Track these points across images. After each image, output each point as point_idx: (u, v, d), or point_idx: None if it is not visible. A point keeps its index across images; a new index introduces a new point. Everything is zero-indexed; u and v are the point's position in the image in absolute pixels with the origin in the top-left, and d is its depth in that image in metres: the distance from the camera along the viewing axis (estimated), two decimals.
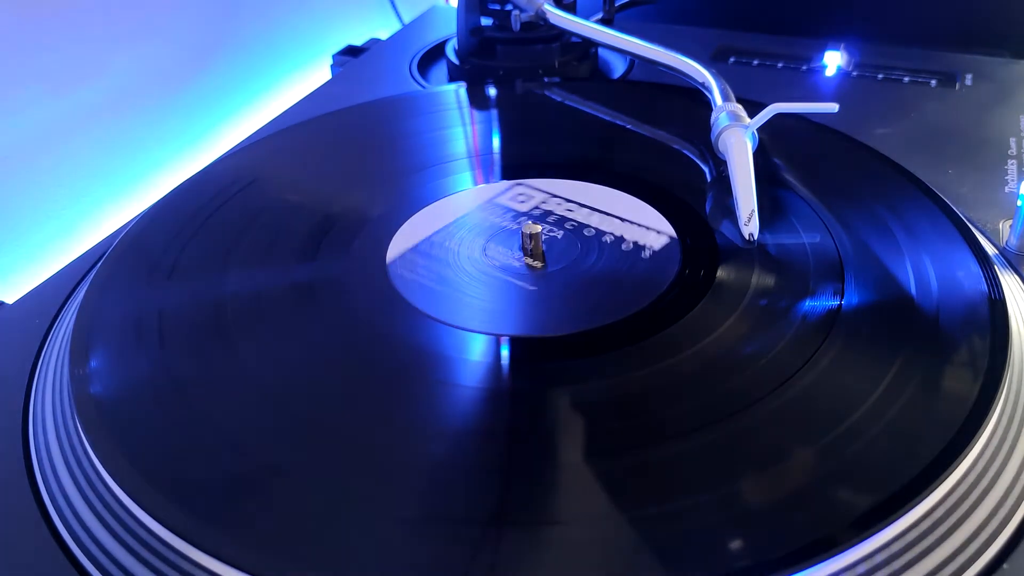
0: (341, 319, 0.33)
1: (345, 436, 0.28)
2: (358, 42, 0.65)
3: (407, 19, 0.79)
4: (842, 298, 0.32)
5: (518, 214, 0.39)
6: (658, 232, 0.37)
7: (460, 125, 0.47)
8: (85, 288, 0.35)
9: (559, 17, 0.52)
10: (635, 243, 0.36)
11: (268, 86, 0.68)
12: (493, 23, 0.55)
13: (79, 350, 0.31)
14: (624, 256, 0.36)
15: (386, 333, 0.32)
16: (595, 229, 0.37)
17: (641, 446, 0.26)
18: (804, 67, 0.56)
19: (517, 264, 0.35)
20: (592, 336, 0.31)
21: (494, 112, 0.50)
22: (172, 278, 0.35)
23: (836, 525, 0.24)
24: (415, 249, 0.37)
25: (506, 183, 0.42)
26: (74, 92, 0.53)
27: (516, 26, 0.54)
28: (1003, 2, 0.62)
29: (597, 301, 0.33)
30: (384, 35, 0.67)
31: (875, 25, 0.64)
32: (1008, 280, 0.34)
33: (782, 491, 0.25)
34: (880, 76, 0.54)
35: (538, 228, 0.36)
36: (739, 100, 0.43)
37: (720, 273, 0.34)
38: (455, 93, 0.52)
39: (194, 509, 0.25)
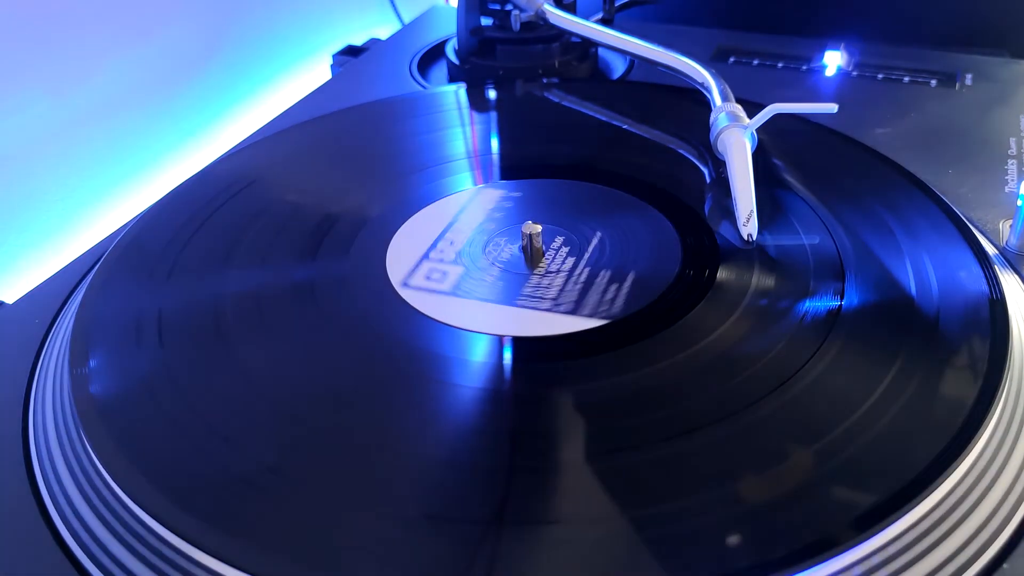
0: (341, 319, 0.33)
1: (345, 436, 0.28)
2: (358, 42, 0.65)
3: (407, 19, 0.79)
4: (842, 298, 0.32)
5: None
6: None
7: (460, 125, 0.47)
8: (85, 288, 0.35)
9: (559, 17, 0.52)
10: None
11: (268, 86, 0.68)
12: (493, 23, 0.55)
13: (79, 350, 0.31)
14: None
15: (386, 333, 0.32)
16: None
17: (641, 446, 0.26)
18: (804, 67, 0.56)
19: (517, 263, 0.35)
20: (592, 336, 0.31)
21: (494, 112, 0.50)
22: (172, 278, 0.35)
23: (836, 525, 0.24)
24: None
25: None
26: (73, 92, 0.53)
27: (516, 26, 0.54)
28: (1003, 2, 0.62)
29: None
30: (384, 35, 0.67)
31: (875, 25, 0.64)
32: (1008, 280, 0.34)
33: (782, 491, 0.25)
34: (880, 76, 0.54)
35: (538, 228, 0.36)
36: (739, 100, 0.43)
37: (720, 273, 0.34)
38: (455, 93, 0.52)
39: (194, 509, 0.25)
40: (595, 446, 0.27)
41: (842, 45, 0.57)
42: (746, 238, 0.36)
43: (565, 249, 0.36)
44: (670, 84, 0.50)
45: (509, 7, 0.54)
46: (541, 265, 0.35)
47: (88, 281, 0.36)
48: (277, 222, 0.38)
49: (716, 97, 0.43)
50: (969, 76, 0.53)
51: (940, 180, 0.42)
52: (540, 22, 0.53)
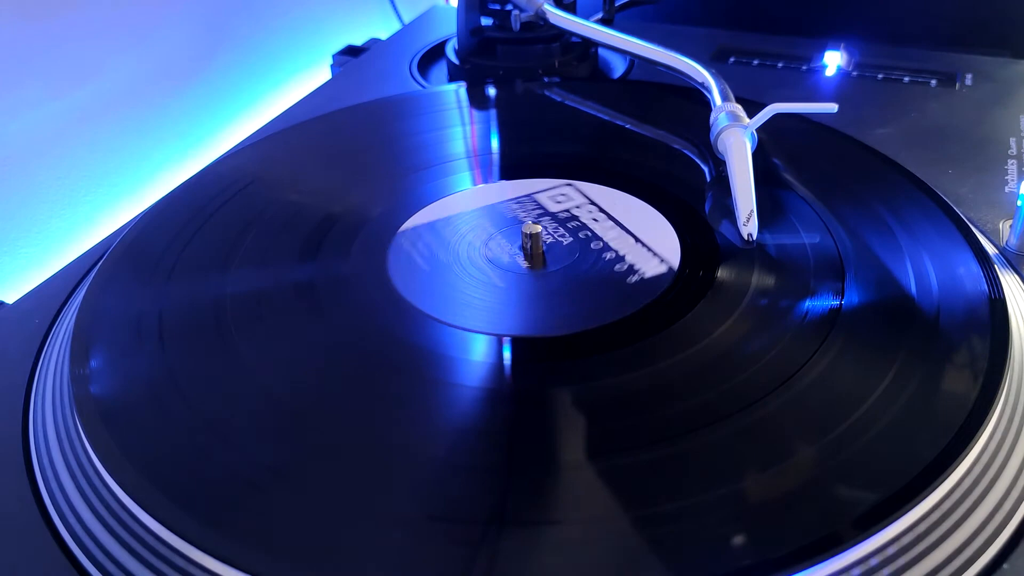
0: (341, 319, 0.33)
1: (345, 436, 0.28)
2: (358, 42, 0.65)
3: (407, 19, 0.79)
4: (842, 298, 0.32)
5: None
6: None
7: (460, 125, 0.47)
8: (85, 288, 0.35)
9: (559, 17, 0.52)
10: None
11: (268, 86, 0.68)
12: (493, 23, 0.55)
13: (79, 350, 0.31)
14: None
15: (386, 333, 0.32)
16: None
17: (641, 446, 0.26)
18: (804, 67, 0.56)
19: (517, 264, 0.35)
20: (592, 336, 0.31)
21: (494, 112, 0.50)
22: (172, 278, 0.35)
23: (836, 525, 0.24)
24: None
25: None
26: (74, 93, 0.53)
27: (516, 26, 0.54)
28: (1003, 2, 0.62)
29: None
30: (384, 35, 0.67)
31: (875, 25, 0.64)
32: (1008, 280, 0.34)
33: (782, 491, 0.25)
34: (880, 76, 0.54)
35: (538, 228, 0.36)
36: (739, 100, 0.43)
37: (720, 273, 0.34)
38: (455, 93, 0.52)
39: (194, 509, 0.25)
40: (595, 446, 0.27)
41: (842, 45, 0.57)
42: (746, 237, 0.36)
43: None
44: (670, 84, 0.50)
45: (509, 7, 0.54)
46: (541, 265, 0.35)
47: (88, 281, 0.36)
48: (277, 222, 0.38)
49: (716, 97, 0.43)
50: (969, 76, 0.53)
51: (940, 180, 0.42)
52: (540, 22, 0.53)
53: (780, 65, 0.56)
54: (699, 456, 0.26)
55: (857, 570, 0.23)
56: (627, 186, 0.40)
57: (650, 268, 0.34)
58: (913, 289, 0.32)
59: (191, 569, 0.24)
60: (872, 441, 0.26)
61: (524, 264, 0.35)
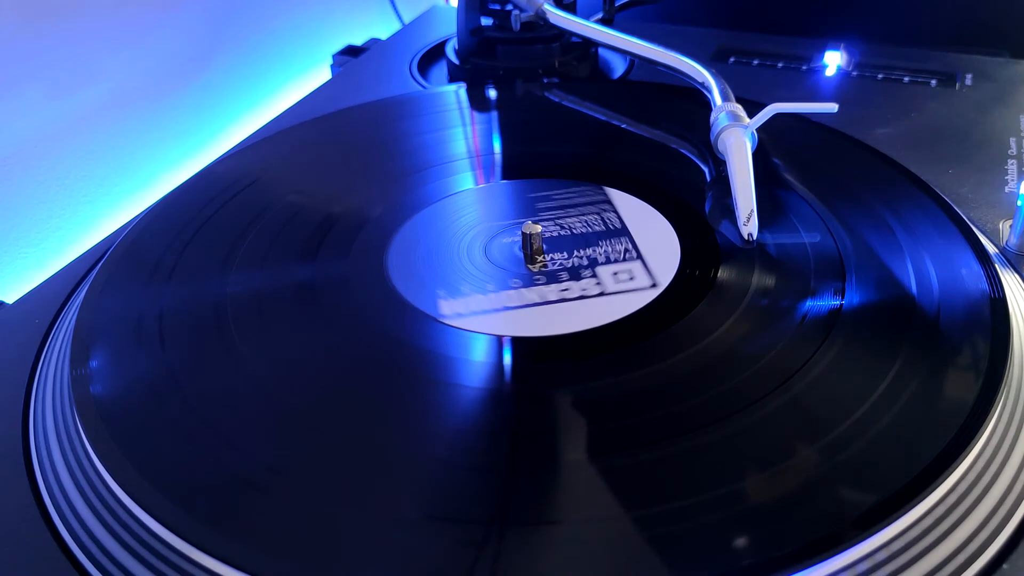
0: (341, 319, 0.33)
1: (345, 436, 0.28)
2: (358, 42, 0.65)
3: (407, 19, 0.79)
4: (843, 297, 0.32)
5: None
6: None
7: (460, 125, 0.47)
8: (85, 288, 0.35)
9: (559, 17, 0.52)
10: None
11: (268, 86, 0.68)
12: (493, 23, 0.55)
13: (79, 350, 0.31)
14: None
15: (386, 333, 0.32)
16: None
17: (641, 446, 0.26)
18: (804, 67, 0.56)
19: (517, 264, 0.35)
20: (592, 336, 0.31)
21: (494, 112, 0.50)
22: (172, 278, 0.35)
23: (837, 524, 0.24)
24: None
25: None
26: (74, 93, 0.53)
27: (516, 26, 0.54)
28: (1003, 2, 0.62)
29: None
30: (384, 35, 0.67)
31: (875, 25, 0.64)
32: (1008, 279, 0.34)
33: (783, 490, 0.25)
34: (880, 76, 0.54)
35: (538, 228, 0.36)
36: (739, 100, 0.43)
37: (720, 273, 0.34)
38: (455, 93, 0.52)
39: (194, 509, 0.25)
40: (596, 446, 0.27)
41: (842, 45, 0.57)
42: (747, 237, 0.36)
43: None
44: (670, 84, 0.50)
45: (509, 7, 0.54)
46: (541, 265, 0.35)
47: (88, 281, 0.36)
48: (277, 222, 0.38)
49: (716, 97, 0.43)
50: (969, 76, 0.53)
51: (940, 180, 0.42)
52: (540, 22, 0.53)
53: (780, 65, 0.56)
54: (699, 456, 0.26)
55: (858, 569, 0.23)
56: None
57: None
58: (913, 289, 0.32)
59: (191, 569, 0.24)
60: (872, 441, 0.26)
61: (524, 263, 0.35)
